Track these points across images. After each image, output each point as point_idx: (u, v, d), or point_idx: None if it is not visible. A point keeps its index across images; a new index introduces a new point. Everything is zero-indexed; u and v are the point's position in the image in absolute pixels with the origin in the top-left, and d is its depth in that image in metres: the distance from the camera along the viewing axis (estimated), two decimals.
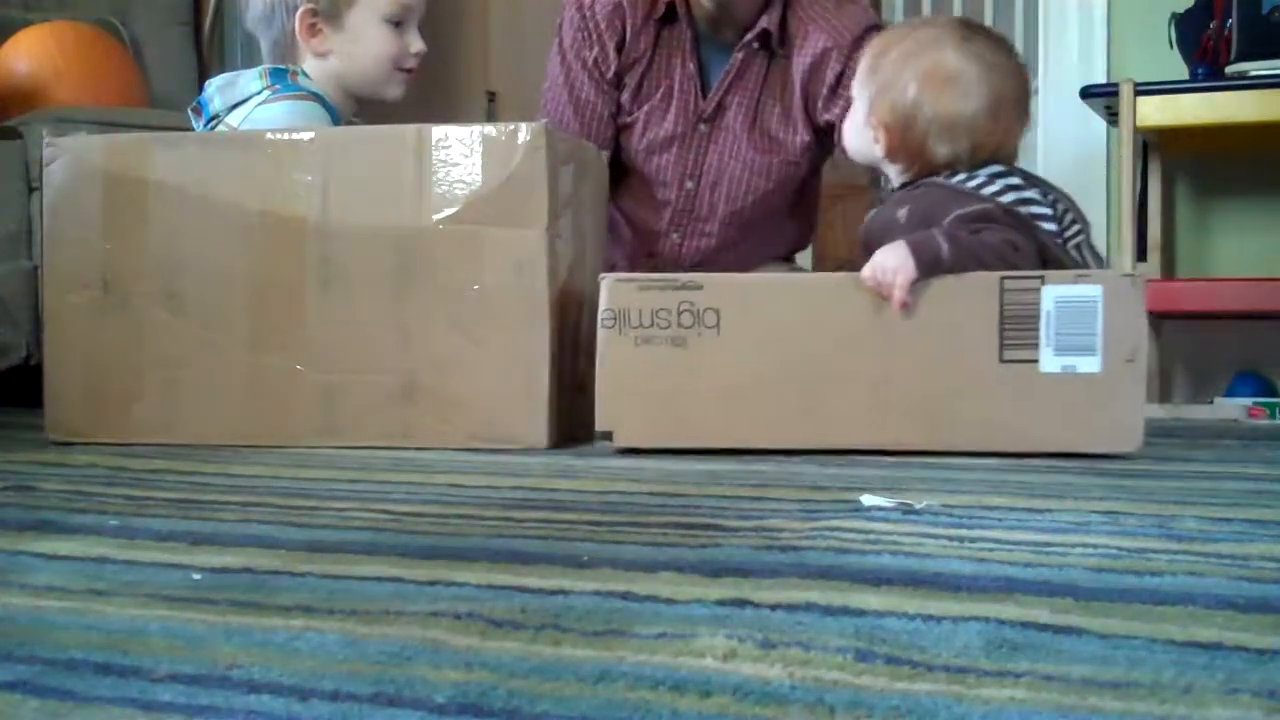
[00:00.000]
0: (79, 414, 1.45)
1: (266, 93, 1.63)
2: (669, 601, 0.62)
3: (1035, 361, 1.27)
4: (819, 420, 1.31)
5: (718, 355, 1.31)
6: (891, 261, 1.29)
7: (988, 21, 3.91)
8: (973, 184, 1.38)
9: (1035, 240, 1.34)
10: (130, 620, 0.59)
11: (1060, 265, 1.34)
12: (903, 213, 1.40)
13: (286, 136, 1.46)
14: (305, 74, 1.67)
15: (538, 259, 1.37)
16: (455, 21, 3.20)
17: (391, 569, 0.70)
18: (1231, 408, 2.19)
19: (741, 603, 0.61)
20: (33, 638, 0.56)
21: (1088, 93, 2.23)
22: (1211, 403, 2.32)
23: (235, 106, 1.64)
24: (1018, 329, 1.27)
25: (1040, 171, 2.48)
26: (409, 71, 1.72)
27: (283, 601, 0.62)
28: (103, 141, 1.50)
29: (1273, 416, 2.17)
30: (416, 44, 1.71)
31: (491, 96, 3.25)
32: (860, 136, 1.48)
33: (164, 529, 0.84)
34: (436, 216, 1.39)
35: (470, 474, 1.15)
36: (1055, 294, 1.27)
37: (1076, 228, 1.40)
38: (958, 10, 4.01)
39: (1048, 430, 1.28)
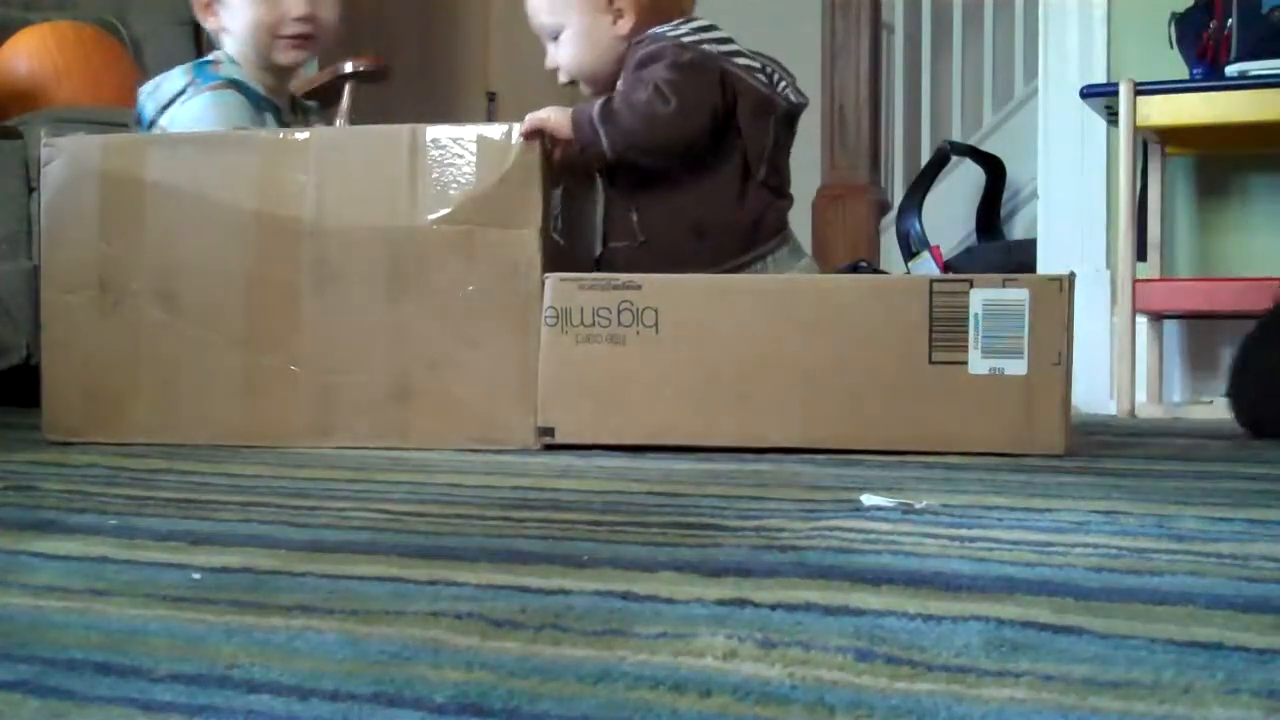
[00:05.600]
0: (76, 414, 1.45)
1: (190, 89, 1.62)
2: (669, 601, 0.62)
3: (964, 363, 1.31)
4: (753, 418, 1.34)
5: (656, 353, 1.34)
6: (554, 117, 1.41)
7: (988, 21, 3.89)
8: (676, 33, 1.49)
9: (717, 68, 1.46)
10: (130, 620, 0.59)
11: (747, 89, 1.47)
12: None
13: (282, 136, 1.46)
14: (231, 59, 1.66)
15: (532, 259, 1.37)
16: (455, 21, 3.20)
17: (391, 569, 0.70)
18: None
19: (741, 603, 0.61)
20: (33, 638, 0.56)
21: (1088, 93, 2.22)
22: (1211, 403, 2.31)
23: (165, 108, 1.63)
24: (947, 331, 1.31)
25: (1041, 171, 2.48)
26: (300, 37, 1.65)
27: (283, 601, 0.62)
28: (100, 141, 1.50)
29: None
30: (296, 9, 1.64)
31: (491, 97, 3.25)
32: (591, 42, 1.55)
33: (164, 529, 0.84)
34: (430, 217, 1.39)
35: (470, 474, 1.15)
36: (983, 297, 1.30)
37: (784, 82, 1.53)
38: (957, 11, 3.99)
39: (976, 431, 1.31)
